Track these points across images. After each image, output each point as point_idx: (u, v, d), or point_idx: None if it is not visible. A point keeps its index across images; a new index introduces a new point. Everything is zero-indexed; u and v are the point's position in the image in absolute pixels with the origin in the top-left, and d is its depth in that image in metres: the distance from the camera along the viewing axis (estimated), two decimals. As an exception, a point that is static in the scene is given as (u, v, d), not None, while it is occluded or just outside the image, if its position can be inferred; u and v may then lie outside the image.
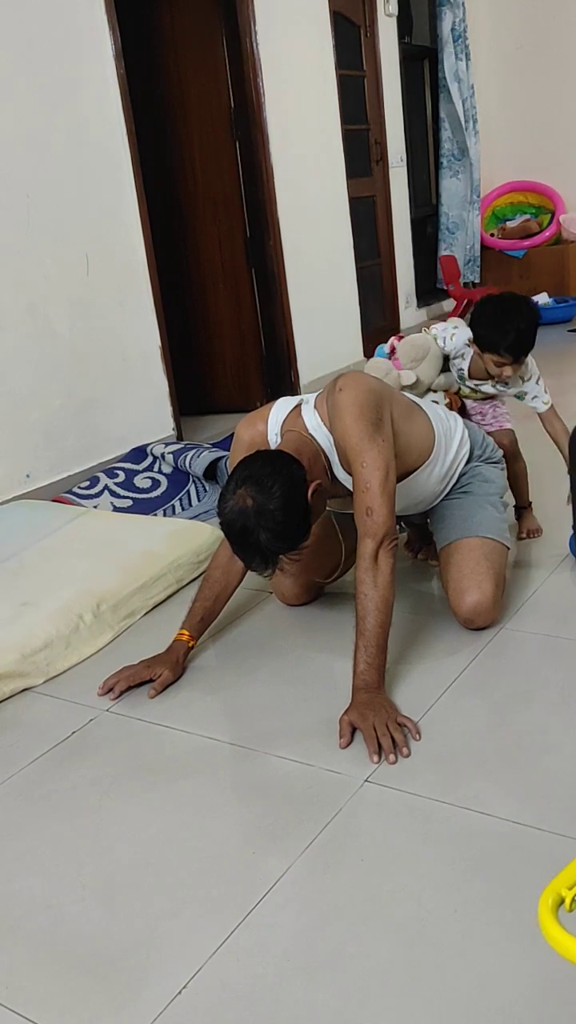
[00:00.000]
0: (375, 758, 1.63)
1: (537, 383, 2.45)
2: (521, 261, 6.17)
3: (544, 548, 2.43)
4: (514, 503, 2.57)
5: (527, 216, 6.28)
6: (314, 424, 1.94)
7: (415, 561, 2.49)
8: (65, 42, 3.27)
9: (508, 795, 1.51)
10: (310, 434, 1.93)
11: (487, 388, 2.50)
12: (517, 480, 2.56)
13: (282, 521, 1.69)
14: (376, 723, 1.67)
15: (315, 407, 1.97)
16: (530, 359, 2.40)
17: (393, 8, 5.35)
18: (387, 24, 5.36)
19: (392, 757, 1.62)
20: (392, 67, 5.45)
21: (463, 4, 5.71)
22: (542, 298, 5.93)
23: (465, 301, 6.01)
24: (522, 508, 2.60)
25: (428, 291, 6.15)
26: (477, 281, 6.18)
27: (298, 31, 4.51)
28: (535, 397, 2.46)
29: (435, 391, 2.56)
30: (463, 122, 5.86)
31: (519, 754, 1.62)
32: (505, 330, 2.27)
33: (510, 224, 6.28)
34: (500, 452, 2.32)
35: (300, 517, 1.73)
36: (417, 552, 2.49)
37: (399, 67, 5.53)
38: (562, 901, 0.71)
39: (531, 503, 2.61)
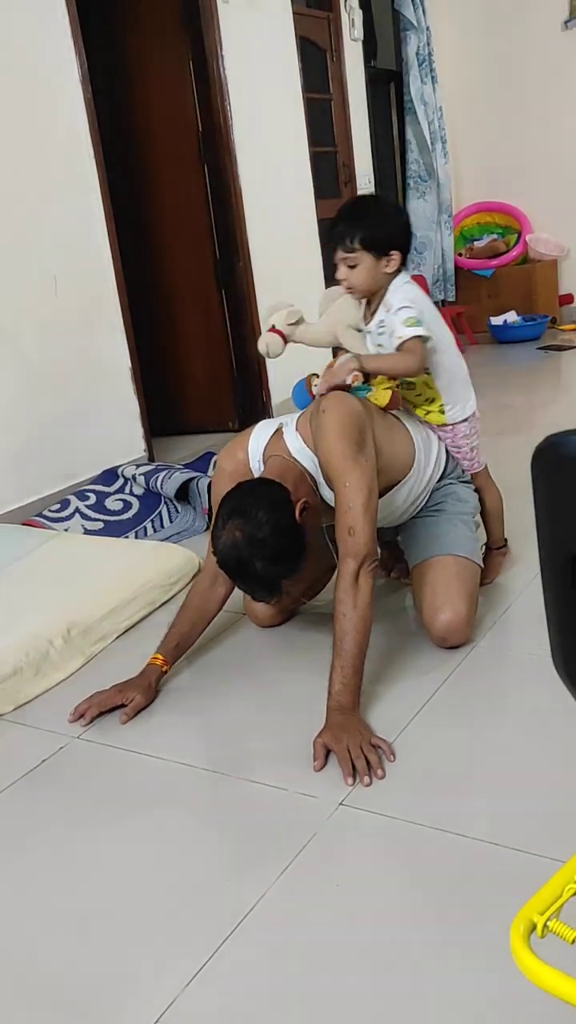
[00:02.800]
0: (350, 780, 1.61)
1: (397, 313, 2.02)
2: (489, 280, 6.24)
3: (515, 566, 2.43)
4: (474, 513, 2.30)
5: (494, 236, 6.36)
6: (297, 447, 1.96)
7: (388, 579, 2.49)
8: (31, 67, 3.27)
9: (483, 815, 1.50)
10: (294, 457, 1.95)
11: (373, 333, 2.12)
12: (488, 517, 2.37)
13: (274, 546, 1.72)
14: (350, 745, 1.66)
15: (297, 430, 1.98)
16: (403, 293, 2.04)
17: (359, 33, 5.42)
18: (353, 48, 5.43)
19: (367, 779, 1.61)
20: (358, 90, 5.52)
21: (427, 28, 5.80)
22: (510, 316, 6.01)
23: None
24: (491, 548, 2.39)
25: (398, 310, 6.19)
26: (452, 299, 6.23)
27: (265, 55, 4.55)
28: (393, 330, 2.03)
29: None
30: (430, 143, 5.93)
31: (494, 773, 1.61)
32: (334, 218, 2.05)
33: (478, 244, 6.35)
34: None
35: (291, 539, 1.75)
36: (390, 571, 2.49)
37: (365, 90, 5.60)
38: (534, 927, 0.70)
39: (506, 542, 2.40)
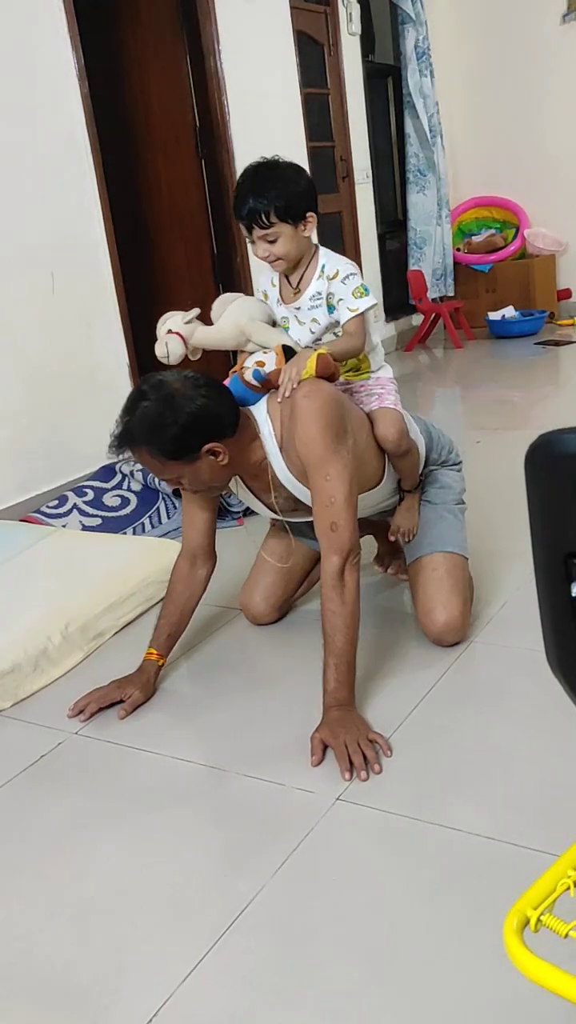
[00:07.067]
0: (347, 775, 1.62)
1: (344, 282, 1.94)
2: (487, 275, 6.23)
3: (511, 563, 2.44)
4: (461, 499, 2.23)
5: (492, 231, 6.36)
6: (266, 432, 1.87)
7: (385, 575, 2.49)
8: (28, 62, 3.26)
9: (480, 810, 1.51)
10: (260, 437, 1.87)
11: (304, 308, 2.00)
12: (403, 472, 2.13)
13: (164, 418, 1.68)
14: (347, 740, 1.67)
15: (268, 412, 1.88)
16: (339, 257, 1.98)
17: (356, 27, 5.41)
18: (350, 43, 5.42)
19: (364, 774, 1.62)
20: (356, 85, 5.51)
21: (425, 22, 5.78)
22: (508, 311, 6.01)
23: (433, 315, 6.07)
24: (404, 491, 2.17)
25: (398, 305, 6.19)
26: (451, 294, 6.23)
27: (262, 50, 4.54)
28: (341, 300, 1.95)
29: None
30: (429, 137, 5.92)
31: (491, 768, 1.62)
32: (237, 188, 1.93)
33: (476, 239, 6.35)
34: (459, 456, 2.29)
35: (180, 430, 1.70)
36: (387, 567, 2.50)
37: (363, 85, 5.59)
38: (527, 922, 0.71)
39: (420, 484, 2.18)
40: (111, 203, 3.63)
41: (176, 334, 2.00)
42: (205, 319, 2.06)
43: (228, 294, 2.12)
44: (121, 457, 1.81)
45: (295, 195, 1.88)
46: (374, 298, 1.96)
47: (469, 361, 5.59)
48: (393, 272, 6.11)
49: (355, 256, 5.62)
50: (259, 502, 2.03)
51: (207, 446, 1.75)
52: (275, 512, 2.01)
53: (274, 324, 2.07)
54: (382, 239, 5.99)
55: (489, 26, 6.11)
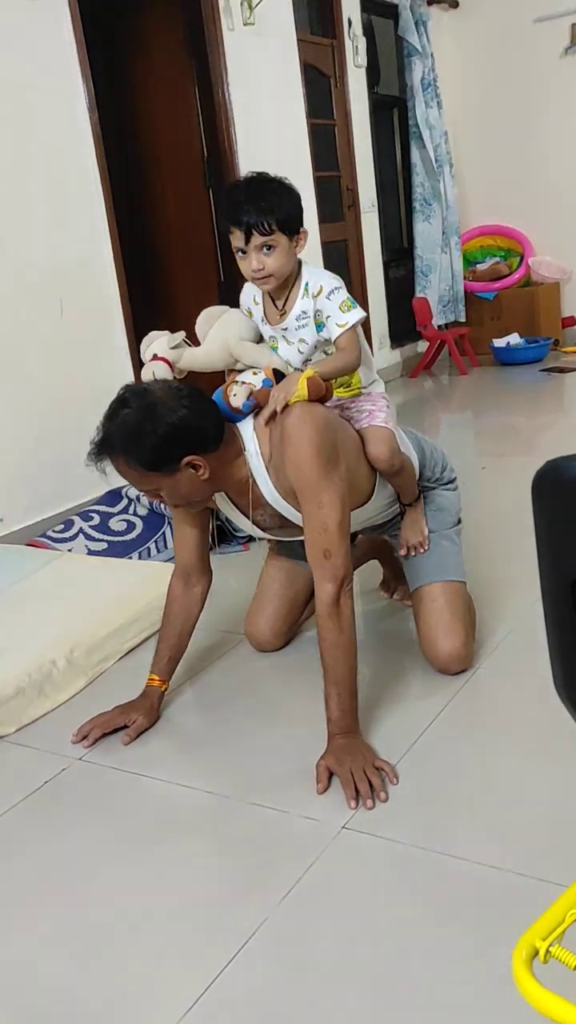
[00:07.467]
0: (352, 803, 1.61)
1: (330, 297, 1.89)
2: (492, 303, 6.27)
3: (516, 590, 2.43)
4: (458, 519, 2.20)
5: (497, 259, 6.40)
6: (252, 450, 1.83)
7: (390, 601, 2.48)
8: (39, 91, 3.31)
9: (486, 840, 1.49)
10: (244, 454, 1.83)
11: (291, 329, 1.94)
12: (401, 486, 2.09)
13: (141, 422, 1.66)
14: (353, 768, 1.65)
15: (255, 430, 1.83)
16: (321, 272, 1.94)
17: (362, 60, 5.49)
18: (357, 75, 5.50)
19: (369, 802, 1.60)
20: (362, 116, 5.58)
21: (432, 55, 5.87)
22: (513, 338, 6.04)
23: (438, 342, 6.10)
24: (405, 505, 2.12)
25: (403, 332, 6.23)
26: (462, 320, 6.27)
27: (270, 82, 4.61)
28: (329, 316, 1.90)
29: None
30: (436, 167, 5.99)
31: (497, 797, 1.61)
32: (230, 195, 1.88)
33: (480, 267, 6.40)
34: (454, 472, 2.24)
35: (159, 441, 1.67)
36: (392, 593, 2.49)
37: (369, 116, 5.66)
38: (536, 953, 0.70)
39: (421, 495, 2.13)
40: (119, 230, 3.67)
41: (162, 359, 1.95)
42: (189, 333, 2.01)
43: (213, 308, 2.04)
44: (99, 465, 1.76)
45: (293, 207, 1.84)
46: (361, 311, 1.91)
47: (474, 388, 5.61)
48: (398, 299, 6.15)
49: (360, 284, 5.67)
50: (245, 519, 1.97)
51: (187, 459, 1.71)
52: (261, 529, 1.98)
53: (260, 340, 2.02)
54: (387, 267, 6.04)
55: (493, 58, 6.20)
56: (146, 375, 1.93)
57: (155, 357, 1.94)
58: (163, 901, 1.45)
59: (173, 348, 1.95)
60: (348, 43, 5.36)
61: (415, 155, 6.03)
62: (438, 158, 6.01)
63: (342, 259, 5.51)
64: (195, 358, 1.97)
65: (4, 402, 3.22)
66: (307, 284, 1.90)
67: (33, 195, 3.30)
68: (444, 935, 1.30)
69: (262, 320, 2.00)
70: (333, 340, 1.92)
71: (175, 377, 1.96)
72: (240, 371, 1.97)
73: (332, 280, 1.91)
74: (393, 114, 6.19)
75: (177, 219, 4.37)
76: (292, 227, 1.84)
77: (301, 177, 4.88)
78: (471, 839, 1.50)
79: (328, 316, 1.90)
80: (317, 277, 1.91)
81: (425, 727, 1.84)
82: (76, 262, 3.48)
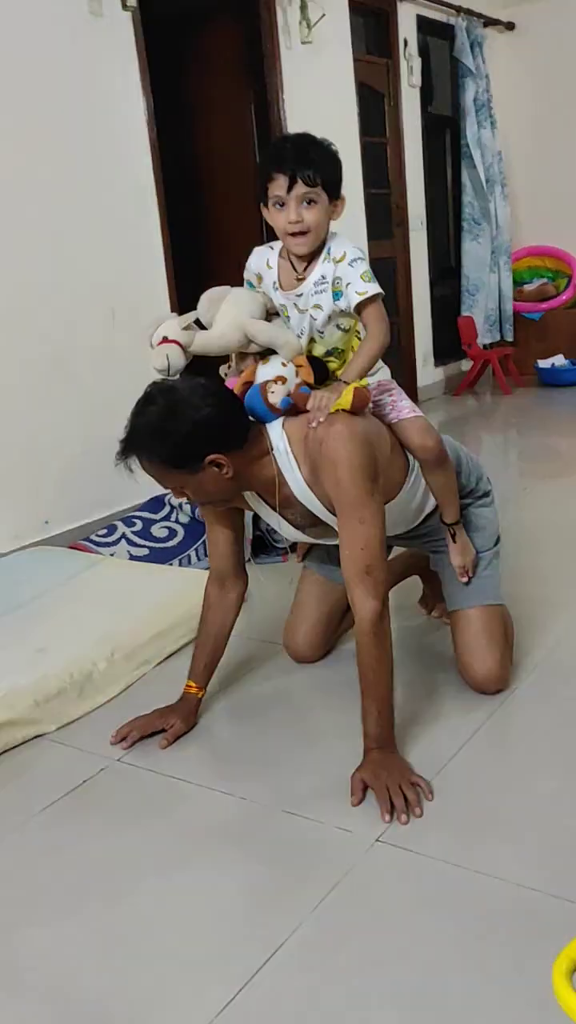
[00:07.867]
0: (387, 817, 1.61)
1: (352, 265, 1.81)
2: (538, 323, 6.25)
3: (559, 612, 2.42)
4: (497, 538, 2.12)
5: (544, 280, 6.38)
6: (282, 448, 1.80)
7: (429, 618, 2.49)
8: (100, 106, 3.39)
9: (521, 859, 1.49)
10: (272, 452, 1.80)
11: (307, 294, 1.85)
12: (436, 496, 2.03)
13: (165, 420, 1.67)
14: (389, 782, 1.66)
15: (284, 428, 1.81)
16: (345, 240, 1.85)
17: (417, 79, 5.53)
18: (411, 94, 5.53)
19: (404, 817, 1.61)
20: (414, 135, 5.61)
21: (487, 75, 5.89)
22: (558, 359, 6.01)
23: (482, 361, 6.09)
24: (447, 525, 2.05)
25: (448, 350, 6.23)
26: (510, 339, 6.25)
27: (324, 100, 4.66)
28: (349, 284, 1.81)
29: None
30: (486, 187, 6.00)
31: (533, 817, 1.61)
32: (276, 145, 1.81)
33: (528, 287, 6.38)
34: (489, 484, 2.19)
35: (182, 439, 1.67)
36: (431, 610, 2.49)
37: (420, 135, 5.69)
38: (576, 968, 0.71)
39: (460, 520, 2.06)
40: (172, 244, 3.73)
41: (174, 342, 1.83)
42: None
43: (216, 289, 1.93)
44: (126, 462, 1.75)
45: (337, 171, 1.79)
46: (378, 285, 1.82)
47: (517, 408, 5.58)
48: (443, 317, 6.16)
49: (407, 301, 5.68)
50: (278, 517, 1.94)
51: (210, 457, 1.71)
52: (295, 528, 1.95)
53: (269, 315, 1.93)
54: (433, 285, 6.05)
55: (548, 80, 6.20)
56: (159, 361, 1.85)
57: (165, 340, 1.85)
58: (195, 905, 1.47)
59: (184, 330, 1.85)
60: (403, 63, 5.39)
61: (465, 175, 6.03)
62: (489, 178, 6.02)
63: (389, 276, 5.53)
64: (209, 340, 1.87)
65: (54, 407, 3.28)
66: (330, 248, 1.84)
67: (90, 208, 3.37)
68: (475, 953, 1.30)
69: (274, 286, 1.91)
70: (351, 307, 1.83)
71: (184, 360, 1.88)
72: (253, 354, 1.89)
73: (356, 250, 1.85)
74: (445, 133, 6.22)
75: (231, 235, 4.42)
76: (334, 190, 1.80)
77: (351, 193, 4.87)
78: (505, 857, 1.49)
79: (348, 284, 1.82)
80: (341, 244, 1.85)
81: (461, 745, 1.85)
82: (129, 274, 3.55)
